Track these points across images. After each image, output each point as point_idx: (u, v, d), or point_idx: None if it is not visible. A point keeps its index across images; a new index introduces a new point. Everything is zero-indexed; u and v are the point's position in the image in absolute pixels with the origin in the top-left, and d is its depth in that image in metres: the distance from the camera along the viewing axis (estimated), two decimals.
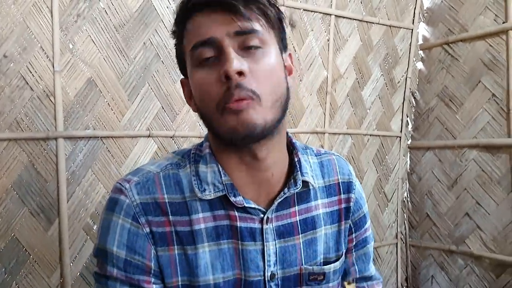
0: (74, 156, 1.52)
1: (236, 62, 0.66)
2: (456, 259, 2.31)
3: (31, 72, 1.43)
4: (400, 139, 2.48)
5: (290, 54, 0.81)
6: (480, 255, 2.17)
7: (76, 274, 1.53)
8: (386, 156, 2.45)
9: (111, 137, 1.59)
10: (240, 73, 0.67)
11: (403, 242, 2.55)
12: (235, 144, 0.72)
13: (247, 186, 0.78)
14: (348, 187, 0.89)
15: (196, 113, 0.77)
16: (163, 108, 1.69)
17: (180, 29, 0.76)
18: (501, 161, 2.10)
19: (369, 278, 0.94)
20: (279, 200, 0.78)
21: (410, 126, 2.52)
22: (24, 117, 1.42)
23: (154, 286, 0.74)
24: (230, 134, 0.69)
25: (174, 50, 0.81)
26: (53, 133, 1.47)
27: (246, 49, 0.70)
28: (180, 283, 0.75)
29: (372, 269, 0.95)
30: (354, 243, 0.91)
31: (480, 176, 2.19)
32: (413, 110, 2.52)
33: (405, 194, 2.55)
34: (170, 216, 0.75)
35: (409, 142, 2.53)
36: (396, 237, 2.52)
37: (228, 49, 0.68)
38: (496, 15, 2.11)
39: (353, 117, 2.29)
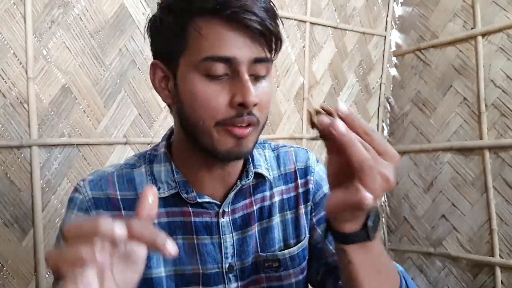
0: (49, 164, 1.49)
1: (254, 94, 0.68)
2: (434, 261, 2.34)
3: (3, 79, 1.40)
4: None
5: None
6: (457, 256, 2.21)
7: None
8: None
9: (87, 144, 1.56)
10: (254, 105, 0.69)
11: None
12: (221, 160, 0.75)
13: (204, 182, 0.80)
14: (305, 171, 0.91)
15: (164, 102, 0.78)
16: (140, 115, 1.67)
17: (184, 19, 0.68)
18: (474, 163, 2.15)
19: None
20: (233, 192, 0.81)
21: (385, 131, 2.57)
22: None
23: None
24: (224, 154, 0.72)
25: (150, 57, 0.79)
26: (27, 141, 1.43)
27: (256, 78, 0.71)
28: None
29: None
30: (315, 220, 0.90)
31: (455, 178, 2.23)
32: (388, 115, 2.56)
33: (383, 199, 2.58)
34: (123, 211, 0.77)
35: None
36: None
37: (246, 76, 0.68)
38: (465, 21, 2.18)
39: None
